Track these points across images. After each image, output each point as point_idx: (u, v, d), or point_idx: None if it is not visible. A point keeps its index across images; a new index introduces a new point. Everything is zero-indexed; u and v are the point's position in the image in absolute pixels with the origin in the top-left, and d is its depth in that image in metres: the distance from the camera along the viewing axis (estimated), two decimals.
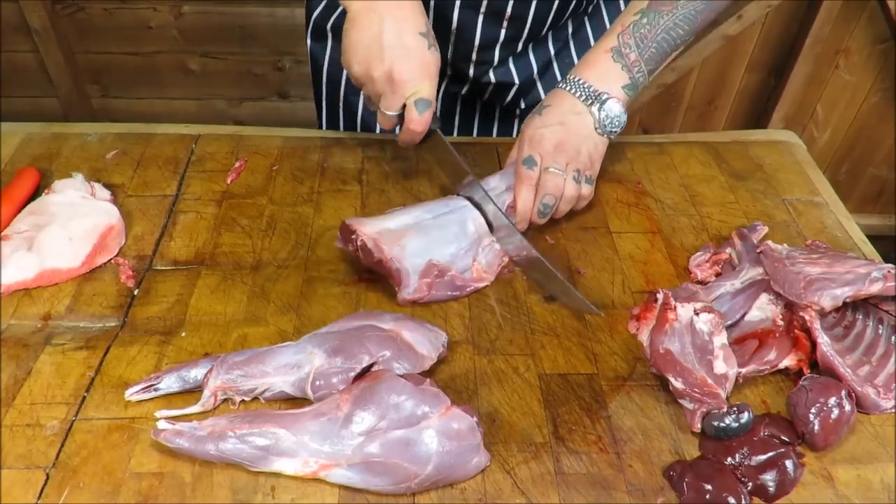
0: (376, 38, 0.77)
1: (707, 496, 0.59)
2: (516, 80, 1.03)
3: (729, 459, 0.62)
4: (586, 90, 0.84)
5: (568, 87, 0.85)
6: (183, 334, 0.72)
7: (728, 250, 0.82)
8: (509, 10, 0.93)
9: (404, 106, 0.79)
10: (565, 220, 0.89)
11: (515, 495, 0.60)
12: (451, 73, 1.02)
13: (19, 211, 0.83)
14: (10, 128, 0.98)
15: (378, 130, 1.05)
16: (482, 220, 0.82)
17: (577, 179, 0.84)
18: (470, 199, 0.84)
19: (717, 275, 0.80)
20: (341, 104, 1.10)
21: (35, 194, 0.86)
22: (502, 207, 0.84)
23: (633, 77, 0.85)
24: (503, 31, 0.96)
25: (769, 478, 0.61)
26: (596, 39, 0.99)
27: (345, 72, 1.02)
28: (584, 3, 1.01)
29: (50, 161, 0.93)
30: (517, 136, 0.89)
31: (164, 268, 0.80)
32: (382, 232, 0.77)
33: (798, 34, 1.98)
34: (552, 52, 1.03)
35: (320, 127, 1.16)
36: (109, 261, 0.80)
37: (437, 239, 0.79)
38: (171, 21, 2.02)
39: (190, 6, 1.99)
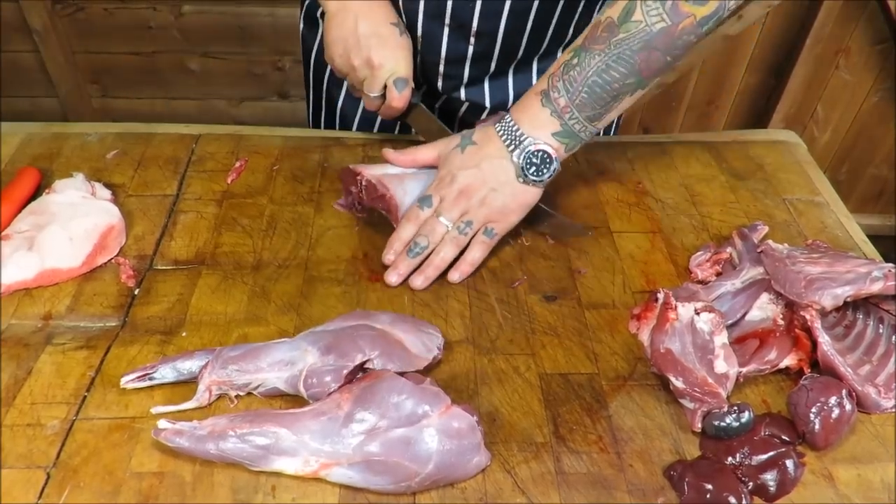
0: (352, 31, 0.85)
1: (708, 496, 0.59)
2: (487, 104, 0.99)
3: (729, 459, 0.62)
4: (512, 133, 0.79)
5: (497, 128, 0.80)
6: (183, 334, 0.72)
7: (728, 250, 0.82)
8: (475, 24, 0.88)
9: (385, 87, 0.86)
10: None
11: (516, 495, 0.60)
12: (423, 85, 0.98)
13: (20, 211, 0.83)
14: (10, 128, 0.98)
15: (359, 118, 1.07)
16: None
17: (463, 232, 0.79)
18: None
19: (718, 274, 0.80)
20: (324, 94, 1.10)
21: (35, 194, 0.86)
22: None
23: (564, 124, 0.77)
24: (470, 47, 0.91)
25: (770, 477, 0.61)
26: None
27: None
28: (571, 31, 0.95)
29: (50, 161, 0.93)
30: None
31: (164, 267, 0.80)
32: (385, 174, 0.83)
33: (798, 34, 1.98)
34: (535, 80, 0.95)
35: (308, 116, 1.16)
36: (110, 260, 0.80)
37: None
38: (171, 21, 2.02)
39: (190, 6, 1.99)
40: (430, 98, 1.02)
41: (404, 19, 0.91)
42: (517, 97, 0.92)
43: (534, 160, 0.78)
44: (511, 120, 0.79)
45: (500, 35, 0.90)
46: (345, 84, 1.00)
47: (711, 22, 0.72)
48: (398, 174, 0.84)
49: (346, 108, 1.07)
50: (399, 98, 0.86)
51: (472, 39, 0.91)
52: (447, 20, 0.90)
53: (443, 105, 1.02)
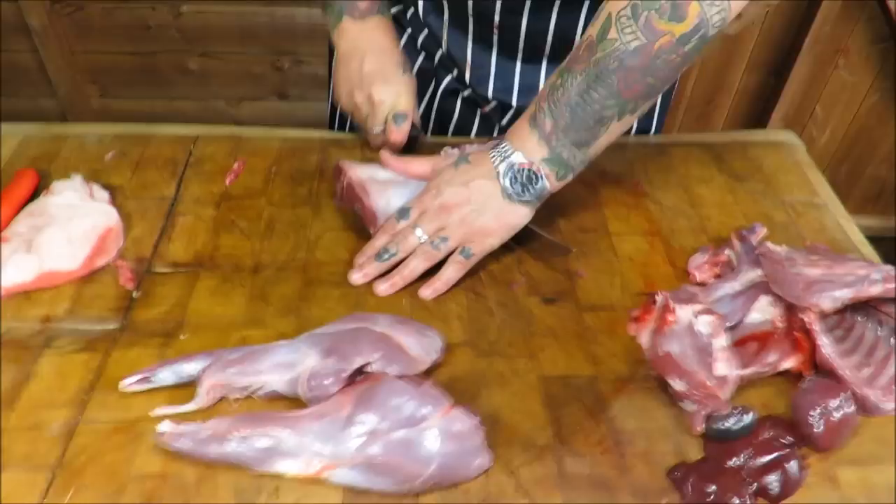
0: (357, 71, 0.90)
1: (711, 497, 0.59)
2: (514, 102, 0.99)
3: (733, 461, 0.62)
4: (502, 153, 0.77)
5: (490, 149, 0.78)
6: (183, 337, 0.72)
7: (727, 252, 0.82)
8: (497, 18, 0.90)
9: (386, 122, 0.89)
10: (564, 221, 0.89)
11: (519, 496, 0.60)
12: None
13: (18, 212, 0.83)
14: (8, 128, 0.98)
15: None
16: None
17: (437, 247, 0.77)
18: None
19: (717, 276, 0.80)
20: None
21: (34, 196, 0.86)
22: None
23: (552, 150, 0.75)
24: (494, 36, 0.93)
25: (773, 479, 0.61)
26: None
27: None
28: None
29: (48, 162, 0.93)
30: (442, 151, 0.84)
31: (163, 270, 0.80)
32: (372, 178, 0.84)
33: (798, 34, 1.98)
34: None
35: (330, 123, 1.17)
36: (109, 263, 0.80)
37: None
38: (171, 21, 2.01)
39: (189, 6, 1.99)
40: (454, 95, 1.02)
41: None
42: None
43: (519, 177, 0.76)
44: (504, 142, 0.78)
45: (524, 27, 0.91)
46: None
47: (694, 40, 0.68)
48: (385, 180, 0.84)
49: None
50: (397, 132, 0.88)
51: (496, 31, 0.93)
52: (470, 12, 0.92)
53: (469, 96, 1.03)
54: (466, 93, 1.03)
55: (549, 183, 0.77)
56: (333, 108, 1.15)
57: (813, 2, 1.91)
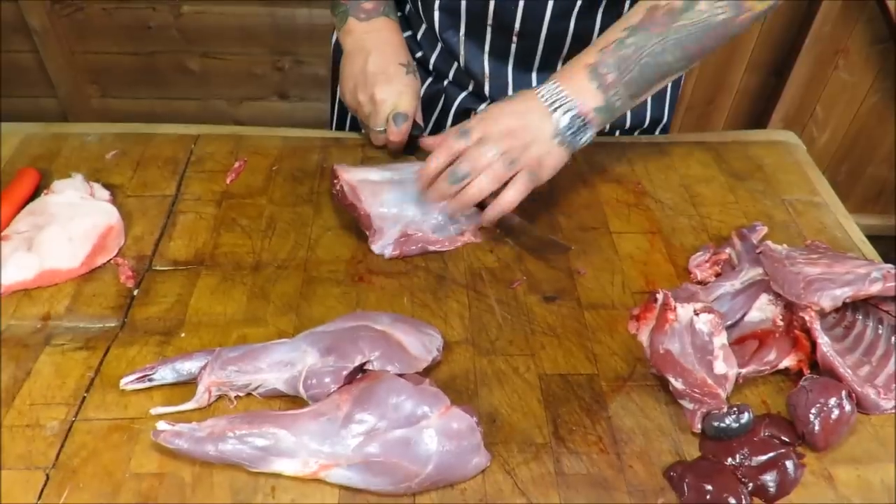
0: (362, 70, 0.91)
1: (707, 496, 0.59)
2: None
3: (729, 460, 0.62)
4: (556, 94, 0.79)
5: (538, 90, 0.80)
6: (183, 335, 0.72)
7: (728, 250, 0.82)
8: (517, 25, 0.91)
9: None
10: (565, 220, 0.89)
11: (516, 496, 0.60)
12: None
13: (19, 211, 0.83)
14: (9, 128, 0.98)
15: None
16: None
17: (508, 168, 0.78)
18: None
19: (717, 275, 0.80)
20: None
21: (35, 195, 0.86)
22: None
23: (608, 100, 0.79)
24: (513, 46, 0.94)
25: (770, 478, 0.61)
26: None
27: None
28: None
29: (49, 161, 0.93)
30: None
31: (163, 268, 0.80)
32: (364, 181, 0.84)
33: (798, 34, 1.98)
34: None
35: (331, 122, 1.17)
36: (109, 261, 0.80)
37: (412, 196, 0.85)
38: (171, 21, 2.01)
39: (190, 6, 1.99)
40: (481, 100, 1.03)
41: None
42: None
43: (576, 122, 0.79)
44: (555, 84, 0.80)
45: (544, 33, 0.92)
46: None
47: (763, 15, 0.77)
48: (378, 181, 0.85)
49: None
50: (397, 133, 0.89)
51: (515, 38, 0.94)
52: (489, 21, 0.93)
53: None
54: (481, 108, 1.02)
55: (593, 132, 0.80)
56: (335, 107, 1.15)
57: (813, 2, 1.91)
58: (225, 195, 0.90)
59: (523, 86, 0.97)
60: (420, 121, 0.94)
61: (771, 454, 0.62)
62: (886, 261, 0.77)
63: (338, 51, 1.09)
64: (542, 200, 0.91)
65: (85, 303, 0.75)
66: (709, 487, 0.59)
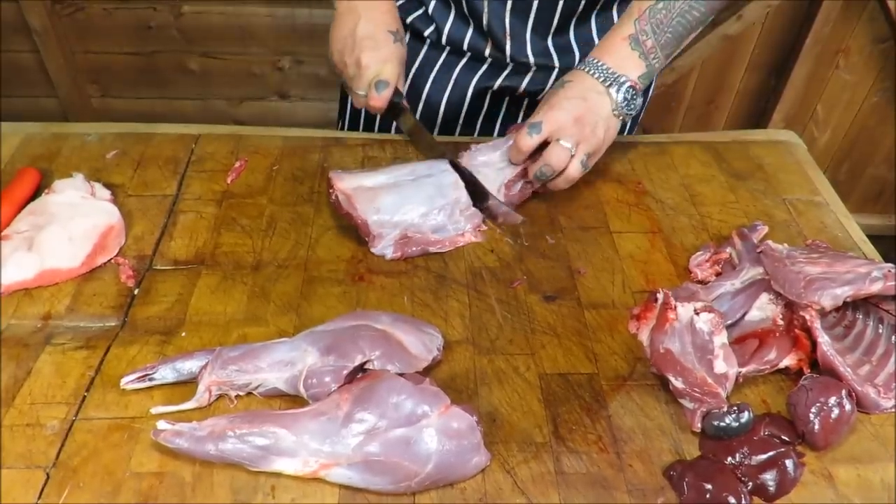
0: (351, 32, 0.91)
1: (707, 496, 0.59)
2: (556, 63, 1.02)
3: (729, 459, 0.62)
4: (605, 72, 0.84)
5: (587, 69, 0.85)
6: (183, 334, 0.72)
7: (728, 250, 0.82)
8: None
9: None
10: (565, 220, 0.89)
11: (516, 495, 0.60)
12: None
13: (19, 211, 0.83)
14: (9, 128, 0.98)
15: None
16: (461, 185, 0.87)
17: (584, 164, 0.85)
18: (456, 167, 0.88)
19: (718, 274, 0.80)
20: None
21: (35, 194, 0.86)
22: (501, 181, 0.88)
23: (649, 64, 0.86)
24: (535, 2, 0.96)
25: (769, 477, 0.61)
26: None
27: None
28: None
29: (50, 161, 0.93)
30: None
31: (164, 268, 0.80)
32: (358, 189, 0.85)
33: (798, 34, 1.98)
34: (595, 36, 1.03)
35: (343, 118, 1.17)
36: (109, 261, 0.80)
37: (409, 198, 0.85)
38: (171, 21, 2.01)
39: (190, 6, 1.99)
40: (499, 69, 1.04)
41: None
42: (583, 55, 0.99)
43: (629, 94, 0.84)
44: (600, 62, 0.85)
45: None
46: None
47: None
48: (372, 187, 0.85)
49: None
50: (377, 98, 0.90)
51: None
52: None
53: (511, 72, 1.04)
54: (497, 83, 1.04)
55: (642, 99, 0.86)
56: (345, 105, 1.15)
57: (813, 2, 1.91)
58: (225, 195, 0.90)
59: (540, 51, 1.01)
60: (402, 88, 0.95)
61: (771, 453, 0.62)
62: (887, 260, 0.77)
63: None
64: (542, 200, 0.91)
65: (85, 302, 0.75)
66: (708, 486, 0.59)
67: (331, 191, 0.84)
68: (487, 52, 1.02)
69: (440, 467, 0.59)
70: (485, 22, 0.99)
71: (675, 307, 0.66)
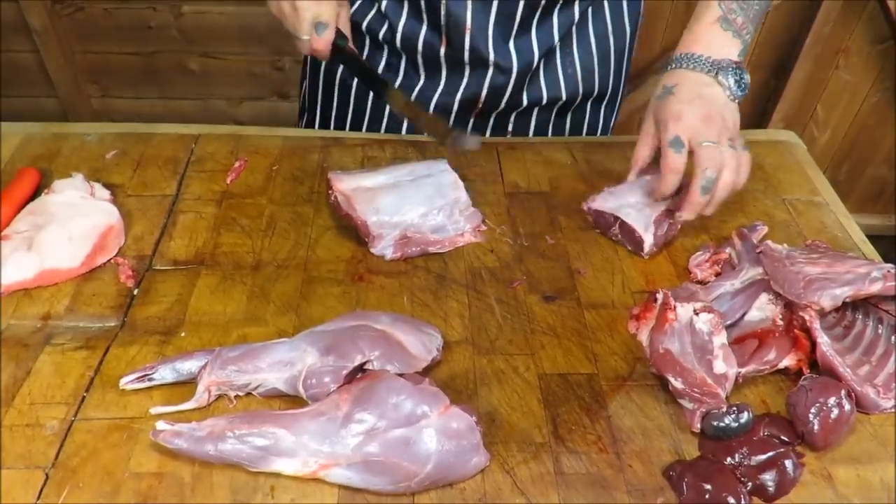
0: None
1: (707, 496, 0.59)
2: (514, 65, 0.99)
3: (728, 459, 0.62)
4: (706, 62, 0.83)
5: (687, 66, 0.84)
6: (182, 334, 0.72)
7: (728, 250, 0.82)
8: None
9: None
10: (565, 220, 0.89)
11: (515, 495, 0.60)
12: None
13: (19, 211, 0.83)
14: (9, 128, 0.98)
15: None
16: (461, 185, 0.87)
17: (735, 148, 0.81)
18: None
19: (717, 275, 0.80)
20: (352, 96, 1.09)
21: (35, 194, 0.86)
22: (645, 222, 0.84)
23: (743, 40, 0.85)
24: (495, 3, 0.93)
25: (769, 477, 0.61)
26: (597, 35, 1.00)
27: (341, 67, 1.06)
28: None
29: (49, 161, 0.93)
30: (640, 126, 0.87)
31: (163, 268, 0.80)
32: (358, 189, 0.84)
33: (798, 34, 1.98)
34: (556, 34, 1.00)
35: (304, 120, 1.16)
36: (109, 261, 0.80)
37: (409, 199, 0.85)
38: (171, 21, 2.01)
39: (190, 6, 1.99)
40: (458, 76, 1.02)
41: None
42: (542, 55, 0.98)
43: (737, 75, 0.83)
44: (696, 55, 0.84)
45: None
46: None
47: None
48: (372, 187, 0.85)
49: (374, 109, 1.08)
50: (319, 41, 0.90)
51: None
52: None
53: (469, 80, 1.02)
54: (457, 99, 1.02)
55: (747, 73, 0.84)
56: (325, 96, 1.13)
57: (813, 2, 1.91)
58: (225, 195, 0.90)
59: (500, 51, 0.98)
60: (345, 30, 0.94)
61: (770, 453, 0.62)
62: (886, 260, 0.77)
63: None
64: (542, 200, 0.91)
65: (85, 302, 0.75)
66: (708, 487, 0.59)
67: (330, 192, 0.84)
68: (443, 51, 0.99)
69: (440, 467, 0.59)
70: (443, 13, 0.96)
71: (675, 307, 0.66)
